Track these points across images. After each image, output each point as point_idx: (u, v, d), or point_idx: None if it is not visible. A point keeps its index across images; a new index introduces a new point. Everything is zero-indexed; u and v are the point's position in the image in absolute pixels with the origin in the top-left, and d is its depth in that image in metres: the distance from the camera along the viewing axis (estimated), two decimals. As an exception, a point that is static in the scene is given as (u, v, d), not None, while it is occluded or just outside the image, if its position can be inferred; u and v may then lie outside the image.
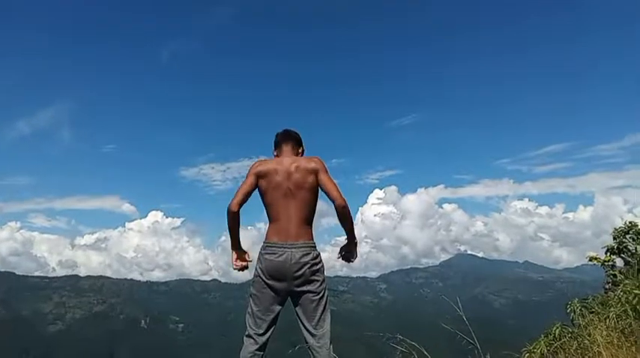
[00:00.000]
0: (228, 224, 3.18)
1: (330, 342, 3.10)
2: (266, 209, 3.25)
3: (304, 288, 3.10)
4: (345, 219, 3.16)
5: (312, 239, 3.22)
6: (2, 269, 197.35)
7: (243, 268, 3.36)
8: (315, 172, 3.20)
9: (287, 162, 3.27)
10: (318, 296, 3.12)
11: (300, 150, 3.48)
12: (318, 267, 3.14)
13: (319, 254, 3.21)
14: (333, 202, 3.13)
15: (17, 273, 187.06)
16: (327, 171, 3.24)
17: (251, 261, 3.33)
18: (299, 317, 3.14)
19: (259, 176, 3.22)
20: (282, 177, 3.19)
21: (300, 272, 3.07)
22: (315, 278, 3.12)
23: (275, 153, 3.47)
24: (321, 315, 3.12)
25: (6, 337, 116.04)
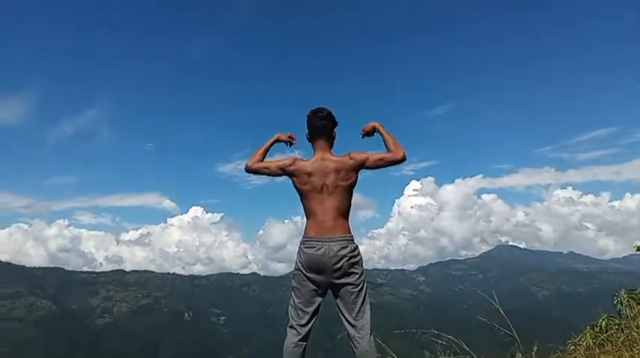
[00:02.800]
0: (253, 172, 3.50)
1: (371, 333, 3.14)
2: (303, 205, 3.34)
3: (343, 281, 3.16)
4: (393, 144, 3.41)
5: (350, 232, 3.26)
6: (52, 265, 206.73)
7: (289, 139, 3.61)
8: (358, 167, 3.30)
9: (323, 163, 3.32)
10: (357, 288, 3.17)
11: (334, 135, 3.50)
12: (356, 259, 3.19)
13: (357, 246, 3.25)
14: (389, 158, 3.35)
15: (66, 269, 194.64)
16: (363, 151, 3.34)
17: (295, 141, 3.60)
18: (339, 309, 3.20)
19: (290, 174, 3.35)
20: (317, 176, 3.27)
21: (338, 265, 3.13)
22: (354, 270, 3.17)
23: (309, 141, 3.50)
24: (360, 307, 3.16)
25: (56, 330, 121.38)
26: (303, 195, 3.32)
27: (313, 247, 3.16)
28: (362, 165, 3.30)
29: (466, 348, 3.80)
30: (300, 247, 3.25)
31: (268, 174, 3.44)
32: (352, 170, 3.29)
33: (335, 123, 3.49)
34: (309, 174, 3.29)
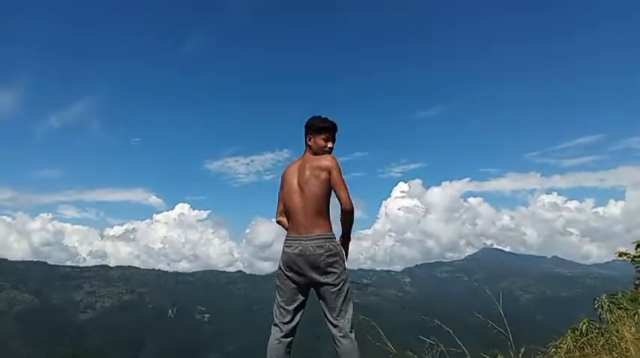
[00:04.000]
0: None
1: (351, 331, 3.15)
2: (284, 207, 3.42)
3: (322, 280, 3.16)
4: (348, 222, 3.28)
5: (329, 230, 3.26)
6: (35, 259, 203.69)
7: None
8: (327, 169, 3.25)
9: (300, 161, 3.42)
10: (336, 288, 3.17)
11: (334, 138, 3.47)
12: (334, 258, 3.17)
13: (337, 245, 3.23)
14: (341, 204, 3.24)
15: (50, 263, 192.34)
16: (340, 171, 3.27)
17: None
18: (322, 309, 3.22)
19: (282, 182, 3.46)
20: (292, 175, 3.37)
21: (315, 264, 3.15)
22: (332, 269, 3.16)
23: (308, 143, 3.51)
24: (341, 306, 3.16)
25: (39, 324, 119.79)
26: (284, 199, 3.40)
27: (291, 246, 3.22)
28: (330, 171, 3.23)
29: (444, 351, 3.84)
30: (283, 247, 3.32)
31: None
32: (323, 170, 3.24)
33: (336, 130, 3.48)
34: (288, 173, 3.42)
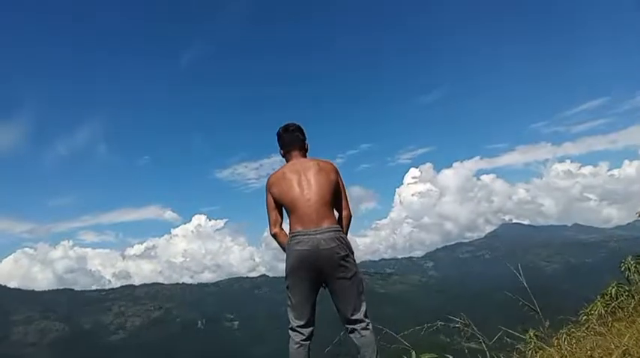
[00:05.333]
0: (279, 245, 3.32)
1: (369, 323, 3.11)
2: (284, 206, 3.28)
3: (337, 274, 3.06)
4: (347, 226, 3.37)
5: (337, 223, 3.21)
6: (61, 287, 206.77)
7: None
8: (336, 172, 3.33)
9: (298, 162, 3.37)
10: (350, 281, 3.09)
11: (306, 147, 3.55)
12: (346, 252, 3.10)
13: (346, 237, 3.19)
14: (344, 210, 3.34)
15: (76, 289, 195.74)
16: (342, 179, 3.39)
17: None
18: (335, 304, 3.14)
19: (270, 187, 3.32)
20: (291, 172, 3.28)
21: (329, 259, 3.03)
22: (345, 263, 3.08)
23: (284, 156, 3.54)
24: (356, 300, 3.10)
25: (72, 351, 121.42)
26: (283, 197, 3.24)
27: (300, 242, 3.05)
28: (334, 171, 3.34)
29: (475, 330, 3.83)
30: (288, 244, 3.16)
31: (278, 207, 3.34)
32: (330, 172, 3.30)
33: (305, 136, 3.55)
34: (283, 173, 3.31)
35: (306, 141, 3.55)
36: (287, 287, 3.19)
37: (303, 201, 3.13)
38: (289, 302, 3.19)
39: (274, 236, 3.31)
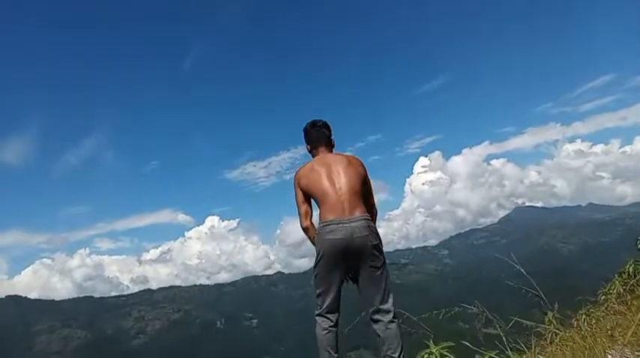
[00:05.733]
0: (309, 238, 3.34)
1: (395, 315, 3.13)
2: (314, 198, 3.31)
3: (366, 263, 3.10)
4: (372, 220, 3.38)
5: (367, 213, 3.22)
6: (81, 295, 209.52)
7: None
8: (364, 167, 3.40)
9: (327, 155, 3.44)
10: (380, 271, 3.13)
11: (332, 143, 3.61)
12: (377, 241, 3.15)
13: (376, 227, 3.24)
14: (369, 205, 3.35)
15: (95, 296, 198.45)
16: (368, 173, 3.43)
17: None
18: (364, 293, 3.16)
19: (299, 180, 3.37)
20: (320, 165, 3.33)
21: (361, 247, 3.06)
22: (376, 252, 3.12)
23: (310, 152, 3.61)
24: (385, 289, 3.13)
25: (96, 357, 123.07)
26: (313, 188, 3.27)
27: (332, 231, 3.07)
28: (362, 166, 3.41)
29: (490, 316, 3.81)
30: (319, 233, 3.17)
31: (308, 201, 3.39)
32: (362, 166, 3.39)
33: (331, 132, 3.61)
34: (312, 167, 3.35)
35: (333, 137, 3.61)
36: (315, 275, 3.20)
37: (334, 191, 3.18)
38: (318, 289, 3.20)
39: (305, 229, 3.35)
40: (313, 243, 3.26)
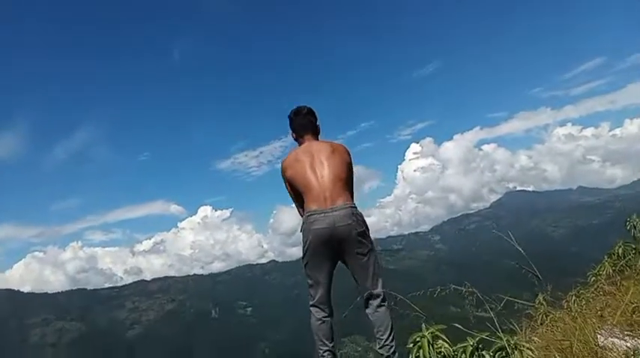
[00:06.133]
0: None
1: (385, 298, 3.17)
2: (298, 187, 3.30)
3: (353, 250, 3.12)
4: None
5: (352, 200, 3.24)
6: (74, 288, 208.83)
7: None
8: (349, 154, 3.38)
9: (311, 144, 3.40)
10: (367, 256, 3.15)
11: (318, 129, 3.59)
12: (363, 228, 3.15)
13: (362, 214, 3.22)
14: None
15: (88, 288, 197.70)
16: (352, 162, 3.41)
17: None
18: (355, 279, 3.20)
19: (285, 171, 3.36)
20: (305, 154, 3.31)
21: (346, 235, 3.08)
22: (362, 238, 3.14)
23: (296, 140, 3.58)
24: (372, 274, 3.16)
25: (90, 349, 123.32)
26: (297, 179, 3.27)
27: (316, 221, 3.08)
28: (347, 153, 3.39)
29: (481, 297, 3.85)
30: (304, 224, 3.19)
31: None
32: (347, 153, 3.37)
33: (316, 117, 3.57)
34: (296, 157, 3.33)
35: (318, 123, 3.58)
36: (305, 266, 3.23)
37: (316, 181, 3.18)
38: (309, 280, 3.23)
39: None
40: None
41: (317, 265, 3.18)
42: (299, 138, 3.54)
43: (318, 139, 3.52)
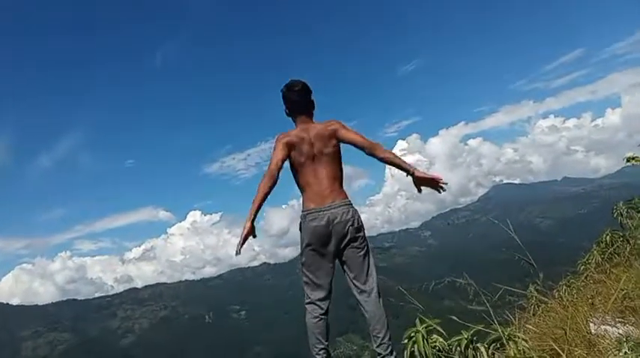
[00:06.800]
0: (261, 188, 3.02)
1: (380, 296, 3.16)
2: (296, 179, 3.29)
3: (349, 247, 3.15)
4: (387, 156, 3.17)
5: (348, 198, 3.25)
6: (64, 298, 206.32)
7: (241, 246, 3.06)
8: (334, 134, 3.24)
9: (308, 132, 3.27)
10: (362, 253, 3.18)
11: (313, 105, 3.43)
12: (359, 224, 3.19)
13: (357, 211, 3.24)
14: (364, 149, 3.17)
15: (79, 299, 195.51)
16: (346, 126, 3.29)
17: (256, 237, 3.08)
18: (348, 276, 3.20)
19: (289, 146, 3.20)
20: (307, 144, 3.23)
21: (343, 232, 3.12)
22: (358, 235, 3.17)
23: (289, 116, 3.43)
24: (367, 270, 3.18)
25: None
26: (297, 168, 3.24)
27: (316, 218, 3.11)
28: (337, 132, 3.24)
29: (476, 288, 3.88)
30: (301, 222, 3.20)
31: (285, 159, 3.16)
32: (331, 137, 3.24)
33: (311, 92, 3.41)
34: (301, 140, 3.22)
35: (313, 98, 3.41)
36: (302, 263, 3.22)
37: (316, 181, 3.19)
38: (306, 279, 3.21)
39: (272, 173, 3.07)
40: (258, 199, 3.00)
41: (316, 262, 3.18)
42: (291, 115, 3.42)
43: (312, 118, 3.41)
